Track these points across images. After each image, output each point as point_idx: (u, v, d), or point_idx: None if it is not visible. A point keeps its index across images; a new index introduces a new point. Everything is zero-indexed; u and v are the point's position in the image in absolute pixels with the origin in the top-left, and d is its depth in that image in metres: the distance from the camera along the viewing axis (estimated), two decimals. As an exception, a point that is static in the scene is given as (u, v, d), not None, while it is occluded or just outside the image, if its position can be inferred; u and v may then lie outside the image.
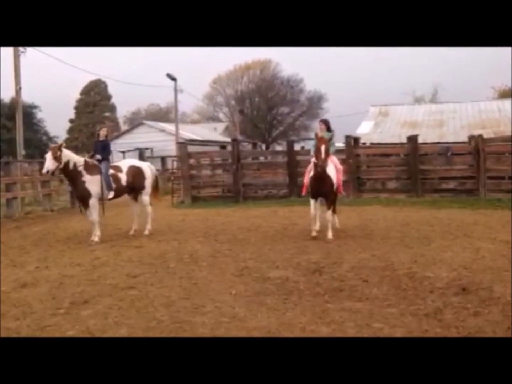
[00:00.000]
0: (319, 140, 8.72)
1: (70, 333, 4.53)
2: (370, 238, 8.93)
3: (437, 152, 15.80)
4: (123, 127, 65.15)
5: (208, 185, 17.90)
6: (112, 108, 66.27)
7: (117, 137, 35.31)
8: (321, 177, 8.82)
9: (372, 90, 67.98)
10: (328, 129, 9.46)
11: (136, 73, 71.62)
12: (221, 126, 55.02)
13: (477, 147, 14.64)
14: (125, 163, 10.04)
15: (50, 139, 55.04)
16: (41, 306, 5.36)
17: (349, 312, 4.85)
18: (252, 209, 14.19)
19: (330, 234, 8.90)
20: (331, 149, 9.15)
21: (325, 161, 8.57)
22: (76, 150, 58.20)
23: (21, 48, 15.35)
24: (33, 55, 16.73)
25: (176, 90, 28.52)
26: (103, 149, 9.47)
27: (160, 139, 33.39)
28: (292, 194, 16.07)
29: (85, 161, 9.27)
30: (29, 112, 51.15)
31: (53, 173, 9.14)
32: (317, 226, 9.32)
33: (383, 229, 9.89)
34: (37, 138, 51.18)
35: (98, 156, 9.33)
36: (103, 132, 9.89)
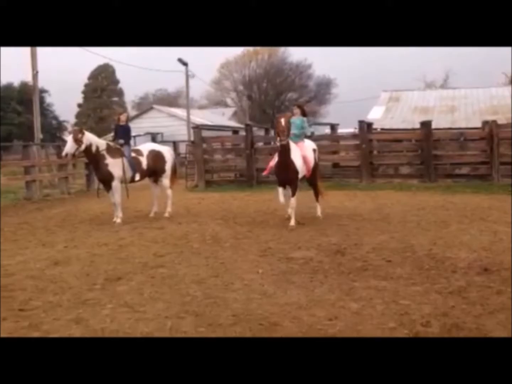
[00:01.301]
0: (281, 118, 8.51)
1: (110, 306, 4.75)
2: (387, 221, 9.09)
3: (450, 138, 15.86)
4: (131, 112, 65.27)
5: (222, 170, 18.08)
6: (120, 93, 66.20)
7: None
8: (284, 163, 8.66)
9: (382, 75, 67.56)
10: (303, 113, 9.43)
11: (143, 57, 71.40)
12: (229, 111, 54.98)
13: (491, 132, 14.70)
14: (145, 147, 10.22)
15: (59, 123, 55.35)
16: (77, 282, 5.57)
17: (375, 290, 5.03)
18: (266, 193, 14.29)
19: (292, 222, 8.73)
20: (298, 133, 8.95)
21: (286, 137, 8.36)
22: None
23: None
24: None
25: (187, 75, 28.59)
26: (125, 133, 9.67)
27: (170, 124, 33.50)
28: (305, 179, 16.18)
29: (108, 145, 9.47)
30: (39, 96, 51.47)
31: (73, 155, 9.30)
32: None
33: (399, 213, 10.04)
34: (47, 122, 51.21)
35: (121, 141, 9.52)
36: (123, 117, 10.09)
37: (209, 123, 33.14)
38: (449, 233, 7.83)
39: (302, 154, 8.94)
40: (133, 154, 9.63)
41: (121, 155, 9.46)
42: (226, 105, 61.51)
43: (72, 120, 61.15)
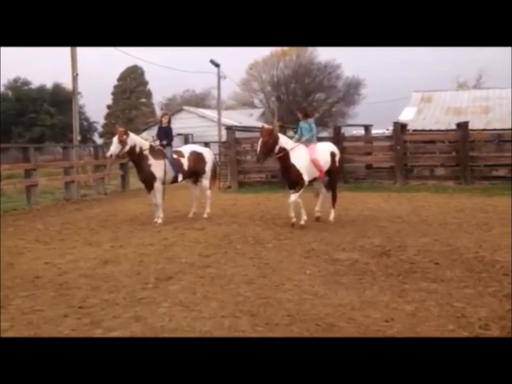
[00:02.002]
0: (261, 132, 8.85)
1: (166, 305, 4.86)
2: (428, 224, 9.04)
3: (487, 139, 15.63)
4: (159, 112, 65.91)
5: (254, 171, 18.16)
6: (148, 94, 66.95)
7: (157, 123, 35.80)
8: (285, 166, 8.94)
9: (412, 76, 66.89)
10: (306, 116, 9.53)
11: (171, 59, 72.15)
12: (256, 112, 55.07)
13: (529, 134, 14.44)
14: (186, 149, 10.37)
15: (90, 124, 56.28)
16: (129, 281, 5.71)
17: (427, 292, 5.03)
18: (301, 194, 14.35)
19: (303, 220, 9.00)
20: (308, 136, 9.17)
21: (259, 154, 8.73)
22: (114, 135, 59.39)
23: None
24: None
25: (219, 76, 28.80)
26: (167, 135, 9.84)
27: (200, 124, 33.73)
28: (339, 180, 16.16)
29: (151, 146, 9.65)
30: (71, 98, 52.38)
31: (117, 156, 9.50)
32: (303, 216, 9.15)
33: (438, 215, 9.97)
34: (79, 123, 52.20)
35: (164, 142, 9.70)
36: (165, 119, 10.25)
37: (237, 124, 33.30)
38: (493, 236, 7.74)
39: (312, 157, 9.03)
40: (174, 156, 9.79)
41: (164, 156, 9.63)
42: (253, 106, 61.67)
43: (102, 121, 62.22)
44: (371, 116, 45.31)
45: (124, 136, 9.23)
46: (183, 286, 5.51)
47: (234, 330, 4.22)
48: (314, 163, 9.07)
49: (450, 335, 3.94)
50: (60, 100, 49.99)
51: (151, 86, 65.32)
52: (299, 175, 8.95)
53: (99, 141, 54.47)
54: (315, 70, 57.07)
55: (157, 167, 9.52)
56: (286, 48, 60.14)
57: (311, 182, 9.46)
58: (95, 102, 61.78)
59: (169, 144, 9.81)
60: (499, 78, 58.11)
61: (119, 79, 64.89)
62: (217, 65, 28.72)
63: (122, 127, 9.74)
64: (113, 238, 8.26)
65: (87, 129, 56.02)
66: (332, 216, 9.60)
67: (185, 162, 9.91)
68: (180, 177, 9.91)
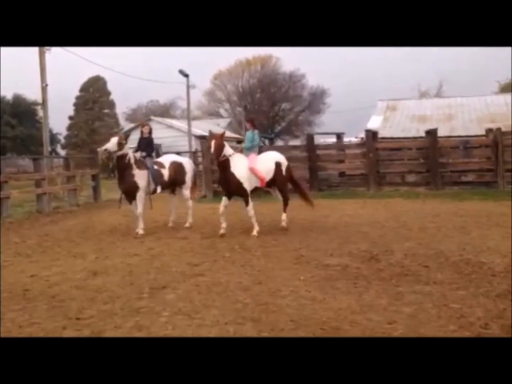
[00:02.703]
0: (210, 136, 9.12)
1: (165, 314, 4.82)
2: (407, 229, 9.24)
3: (455, 146, 16.13)
4: (124, 123, 65.23)
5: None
6: (112, 105, 65.95)
7: (125, 132, 35.41)
8: (225, 174, 9.11)
9: (374, 86, 68.33)
10: (254, 127, 9.76)
11: (134, 68, 71.59)
12: (223, 122, 55.17)
13: (495, 140, 14.97)
14: (166, 159, 10.30)
15: (53, 136, 55.13)
16: (123, 291, 5.63)
17: (422, 295, 5.15)
18: (277, 203, 14.40)
19: (255, 231, 9.08)
20: (248, 146, 9.44)
21: (213, 154, 8.86)
22: (76, 146, 58.20)
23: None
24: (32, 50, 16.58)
25: (188, 86, 28.75)
26: (148, 146, 9.78)
27: (168, 135, 33.57)
28: (313, 188, 16.36)
29: (135, 156, 9.56)
30: (32, 109, 51.21)
31: (108, 155, 9.37)
32: (224, 224, 9.26)
33: (415, 220, 10.20)
34: (40, 135, 50.91)
35: (144, 153, 9.64)
36: (146, 130, 10.18)
37: (206, 134, 33.25)
38: (473, 239, 7.97)
39: (250, 166, 9.18)
40: (155, 167, 9.73)
41: (146, 167, 9.56)
42: (219, 115, 61.73)
43: (64, 132, 61.02)
44: (337, 124, 46.13)
45: (124, 142, 9.22)
46: (179, 295, 5.47)
47: (240, 336, 4.22)
48: (253, 172, 9.20)
49: (454, 335, 4.04)
50: (21, 112, 48.92)
51: (114, 97, 64.48)
52: (239, 184, 9.08)
53: (62, 152, 53.45)
54: (281, 80, 57.66)
55: (141, 177, 9.45)
56: (250, 58, 60.65)
57: (253, 191, 9.52)
58: (56, 114, 60.70)
59: (150, 155, 9.75)
60: (459, 87, 60.10)
61: (81, 90, 63.69)
62: (186, 75, 28.69)
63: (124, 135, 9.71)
64: (97, 250, 8.12)
65: (50, 140, 54.92)
66: (284, 221, 9.68)
67: (165, 173, 9.87)
68: (158, 189, 9.83)
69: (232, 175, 9.04)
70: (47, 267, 6.91)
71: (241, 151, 9.66)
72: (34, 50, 15.75)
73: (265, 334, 4.24)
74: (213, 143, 8.84)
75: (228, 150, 9.12)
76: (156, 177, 9.63)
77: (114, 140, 9.29)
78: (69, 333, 4.39)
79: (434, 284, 5.50)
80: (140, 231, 9.49)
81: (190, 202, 10.34)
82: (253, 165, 9.20)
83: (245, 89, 59.50)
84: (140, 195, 9.49)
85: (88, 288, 5.83)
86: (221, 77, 61.97)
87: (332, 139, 26.07)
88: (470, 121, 25.51)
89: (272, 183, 9.65)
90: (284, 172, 9.72)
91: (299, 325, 4.42)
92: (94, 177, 16.87)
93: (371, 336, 4.05)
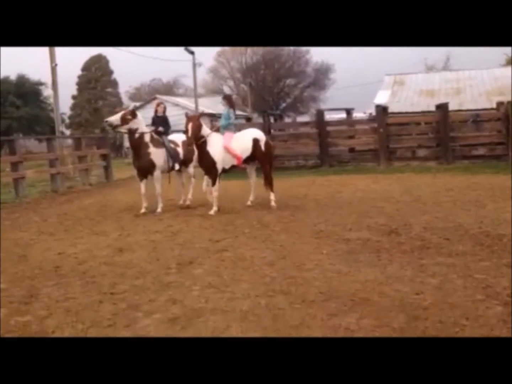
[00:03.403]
0: (188, 119, 9.05)
1: (196, 288, 4.95)
2: (422, 203, 9.32)
3: (466, 119, 16.09)
4: (127, 102, 65.06)
5: (237, 157, 18.20)
6: (114, 84, 65.73)
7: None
8: (201, 153, 9.13)
9: (380, 60, 67.64)
10: (231, 104, 9.79)
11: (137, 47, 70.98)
12: (228, 99, 54.87)
13: (506, 113, 14.93)
14: (178, 137, 10.32)
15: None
16: (151, 267, 5.76)
17: (446, 266, 5.26)
18: (288, 179, 14.50)
19: (212, 210, 9.09)
20: (224, 124, 9.48)
21: (191, 138, 8.89)
22: (80, 126, 58.17)
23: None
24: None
25: (194, 64, 28.60)
26: (164, 124, 9.83)
27: (174, 113, 33.34)
28: (324, 164, 16.43)
29: (151, 134, 9.60)
30: (36, 89, 51.09)
31: (113, 127, 9.49)
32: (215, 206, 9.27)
33: (429, 194, 10.27)
34: (45, 115, 51.07)
35: (161, 128, 9.68)
36: (161, 108, 10.22)
37: (213, 112, 33.19)
38: (490, 212, 8.05)
39: (224, 144, 9.21)
40: (171, 145, 9.80)
41: (163, 145, 9.63)
42: (223, 93, 61.37)
43: (68, 112, 60.88)
44: (343, 100, 45.84)
45: (129, 117, 9.24)
46: (206, 270, 5.60)
47: (272, 308, 4.35)
48: (228, 150, 9.25)
49: (481, 304, 4.16)
50: (25, 92, 48.79)
51: (116, 75, 64.13)
52: (212, 162, 9.14)
53: (66, 132, 53.43)
54: (285, 56, 57.13)
55: (157, 155, 9.52)
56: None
57: (229, 169, 9.65)
58: (60, 93, 60.53)
59: (166, 132, 9.80)
60: (466, 59, 59.38)
61: (83, 69, 63.41)
62: (192, 53, 28.52)
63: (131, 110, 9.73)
64: (117, 227, 8.25)
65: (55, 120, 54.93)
66: (272, 201, 9.61)
67: (180, 151, 9.94)
68: (176, 166, 9.94)
69: (207, 153, 9.09)
70: (72, 245, 7.05)
71: (217, 129, 9.71)
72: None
73: (297, 306, 4.36)
74: (190, 126, 8.85)
75: (205, 130, 9.18)
76: (174, 154, 9.71)
77: (118, 114, 9.34)
78: (105, 307, 4.53)
79: (456, 256, 5.60)
80: (159, 209, 9.60)
81: (193, 180, 10.47)
82: (227, 144, 9.24)
83: (249, 66, 59.05)
84: (157, 174, 9.59)
85: (116, 264, 5.96)
86: (224, 54, 61.45)
87: (339, 115, 26.03)
88: (479, 94, 25.34)
89: (251, 159, 9.71)
90: (263, 148, 9.69)
91: (329, 296, 4.55)
92: (105, 157, 16.95)
93: (372, 337, 3.99)
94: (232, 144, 9.29)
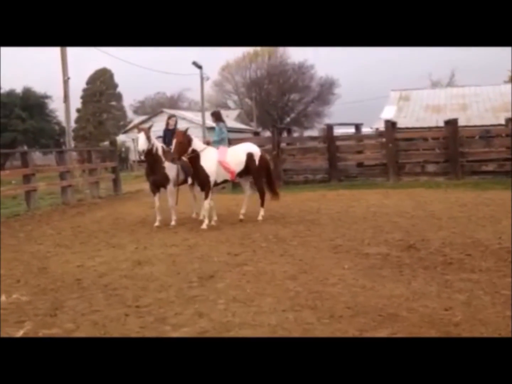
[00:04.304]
0: (175, 134, 9.13)
1: (222, 302, 4.92)
2: (437, 218, 9.30)
3: (476, 135, 16.14)
4: (132, 116, 65.47)
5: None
6: (119, 97, 66.30)
7: (136, 125, 35.57)
8: (195, 167, 9.17)
9: (386, 76, 68.08)
10: (218, 120, 9.93)
11: (143, 60, 71.61)
12: (232, 113, 55.22)
13: (516, 129, 14.97)
14: None
15: (62, 128, 55.32)
16: (173, 280, 5.75)
17: (471, 282, 5.23)
18: (299, 193, 14.54)
19: (204, 224, 9.10)
20: (216, 139, 9.68)
21: (174, 154, 8.87)
22: (84, 138, 58.33)
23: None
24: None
25: (202, 78, 28.78)
26: None
27: (180, 126, 33.64)
28: (332, 178, 16.45)
29: (163, 148, 9.65)
30: (41, 102, 51.35)
31: (147, 153, 9.43)
32: (214, 217, 9.49)
33: (443, 210, 10.26)
34: (50, 128, 51.32)
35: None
36: (172, 121, 10.27)
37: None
38: (506, 228, 8.01)
39: (219, 159, 9.28)
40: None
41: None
42: (227, 107, 61.75)
43: (72, 125, 61.17)
44: (347, 115, 46.00)
45: (149, 133, 9.30)
46: (228, 283, 5.58)
47: (301, 322, 4.32)
48: (222, 165, 9.32)
49: (513, 320, 4.14)
50: (31, 105, 49.02)
51: (120, 89, 64.57)
52: (206, 176, 9.19)
53: (71, 145, 53.38)
54: (289, 71, 57.57)
55: (171, 169, 9.57)
56: (258, 49, 60.54)
57: (223, 183, 9.92)
58: (63, 106, 60.81)
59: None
60: (471, 76, 59.70)
61: (87, 83, 63.93)
62: (199, 67, 28.72)
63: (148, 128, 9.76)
64: (133, 240, 8.24)
65: (59, 133, 55.15)
66: (260, 215, 9.79)
67: None
68: (189, 180, 9.96)
69: (201, 167, 9.13)
70: (90, 258, 7.04)
71: (207, 143, 9.85)
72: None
73: (325, 321, 4.34)
74: (174, 142, 8.89)
75: (198, 144, 9.23)
76: (186, 168, 9.73)
77: (142, 136, 9.35)
78: (132, 320, 4.51)
79: (480, 272, 5.58)
80: (173, 222, 9.61)
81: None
82: (222, 158, 9.32)
83: (253, 80, 59.45)
84: (171, 188, 9.65)
85: (137, 277, 5.95)
86: (229, 68, 61.98)
87: (344, 130, 26.12)
88: (486, 110, 25.45)
89: (245, 173, 9.79)
90: (257, 162, 9.74)
91: (357, 312, 4.52)
92: (114, 169, 16.99)
93: (372, 337, 3.97)
94: (226, 158, 9.38)
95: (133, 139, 31.35)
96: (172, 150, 8.95)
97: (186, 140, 8.98)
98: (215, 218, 9.48)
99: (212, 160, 9.22)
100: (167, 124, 10.42)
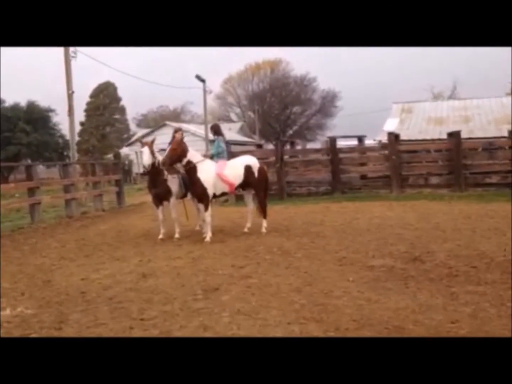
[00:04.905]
0: (172, 142, 9.28)
1: (226, 315, 4.91)
2: (442, 230, 9.27)
3: (479, 147, 16.16)
4: (135, 129, 65.77)
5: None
6: (122, 111, 66.65)
7: (139, 138, 35.69)
8: (191, 179, 9.21)
9: (387, 89, 68.39)
10: (217, 133, 10.04)
11: (146, 73, 72.14)
12: (235, 126, 55.44)
13: (519, 141, 14.98)
14: None
15: (66, 142, 55.56)
16: (178, 293, 5.74)
17: (477, 295, 5.21)
18: (303, 205, 14.55)
19: (207, 237, 9.10)
20: (214, 153, 9.79)
21: (166, 158, 8.99)
22: (87, 152, 58.55)
23: (71, 53, 15.81)
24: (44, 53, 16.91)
25: (205, 91, 28.98)
26: None
27: (185, 139, 33.79)
28: (336, 191, 16.45)
29: None
30: (45, 116, 51.68)
31: (153, 167, 9.44)
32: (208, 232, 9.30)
33: (447, 222, 10.23)
34: (54, 141, 51.56)
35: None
36: (178, 135, 10.29)
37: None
38: (510, 240, 8.00)
39: (217, 172, 9.31)
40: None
41: (177, 171, 9.69)
42: (229, 120, 62.03)
43: (75, 138, 61.49)
44: (349, 127, 46.20)
45: (153, 148, 9.33)
46: (233, 296, 5.57)
47: (307, 335, 4.31)
48: (220, 177, 9.33)
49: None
50: (35, 118, 49.31)
51: (123, 102, 64.92)
52: (203, 189, 9.18)
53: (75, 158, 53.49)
54: (291, 83, 57.86)
55: (173, 182, 9.62)
56: (260, 62, 60.97)
57: (220, 196, 9.93)
58: (67, 119, 61.06)
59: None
60: (473, 88, 59.87)
61: (91, 96, 64.29)
62: (202, 80, 28.90)
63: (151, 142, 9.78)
64: (138, 253, 8.24)
65: (63, 146, 55.39)
66: (263, 227, 9.79)
67: None
68: (190, 195, 9.98)
69: (198, 180, 9.14)
70: (95, 270, 7.04)
71: (211, 157, 9.89)
72: (54, 57, 15.90)
73: (331, 334, 4.32)
74: (169, 148, 8.98)
75: (194, 156, 9.25)
76: (186, 181, 9.76)
77: (146, 151, 9.37)
78: (137, 333, 4.50)
79: (486, 285, 5.55)
80: (177, 235, 9.62)
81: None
82: (220, 171, 9.35)
83: (256, 93, 59.77)
84: (173, 201, 9.69)
85: (142, 290, 5.94)
86: (231, 81, 62.35)
87: (347, 142, 26.16)
88: (488, 122, 25.50)
89: (245, 186, 9.83)
90: (256, 174, 9.77)
91: (363, 324, 4.50)
92: (118, 182, 17.05)
93: (372, 337, 3.97)
94: (225, 171, 9.40)
95: (136, 152, 31.43)
96: (165, 155, 9.02)
97: (180, 149, 9.03)
98: (210, 234, 9.24)
99: (209, 172, 9.24)
100: (174, 137, 10.44)
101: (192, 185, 9.29)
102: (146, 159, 9.25)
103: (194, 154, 9.30)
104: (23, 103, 50.56)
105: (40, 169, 43.37)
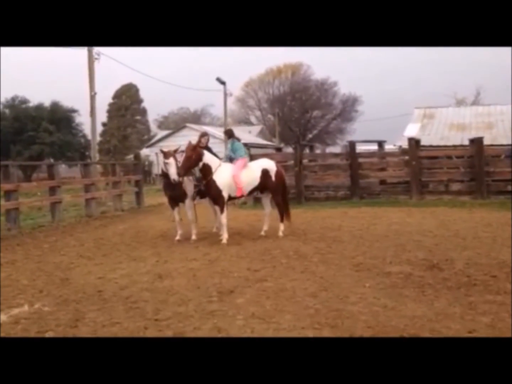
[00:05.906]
0: (186, 148, 9.21)
1: (240, 318, 4.90)
2: (462, 238, 9.14)
3: (501, 154, 15.91)
4: (156, 130, 66.32)
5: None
6: (143, 112, 67.17)
7: (160, 139, 36.01)
8: (207, 181, 9.17)
9: (407, 93, 67.81)
10: (231, 137, 10.02)
11: (169, 76, 72.66)
12: (254, 129, 55.52)
13: (543, 149, 14.70)
14: None
15: (88, 142, 56.28)
16: (193, 294, 5.75)
17: (496, 304, 5.11)
18: (320, 210, 14.47)
19: (224, 239, 9.12)
20: (234, 155, 9.65)
21: (180, 168, 9.00)
22: (108, 152, 59.19)
23: (95, 54, 16.02)
24: (65, 54, 17.11)
25: (225, 94, 29.09)
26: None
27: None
28: (354, 195, 16.35)
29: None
30: (68, 116, 52.44)
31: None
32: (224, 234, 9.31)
33: (468, 229, 10.08)
34: (76, 141, 52.24)
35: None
36: (204, 140, 10.31)
37: (244, 141, 33.56)
38: (533, 249, 7.85)
39: (234, 173, 9.30)
40: None
41: (192, 173, 9.72)
42: (249, 123, 62.13)
43: (97, 138, 62.13)
44: (369, 132, 45.92)
45: (178, 159, 9.37)
46: (248, 299, 5.56)
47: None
48: (234, 180, 9.31)
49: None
50: (58, 118, 50.04)
51: (145, 104, 65.47)
52: (218, 191, 9.17)
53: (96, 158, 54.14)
54: (312, 88, 57.73)
55: (189, 184, 9.65)
56: (281, 66, 60.97)
57: (236, 198, 9.98)
58: (89, 120, 61.84)
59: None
60: (497, 94, 59.03)
61: (114, 97, 64.97)
62: (223, 83, 29.01)
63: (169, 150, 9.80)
64: (155, 253, 8.30)
65: (85, 146, 56.06)
66: (280, 230, 9.79)
67: None
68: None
69: (213, 182, 9.14)
70: (112, 270, 7.10)
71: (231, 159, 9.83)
72: (78, 59, 16.08)
73: (345, 340, 4.28)
74: (184, 157, 8.98)
75: (210, 159, 9.21)
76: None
77: (173, 164, 9.21)
78: (151, 333, 4.52)
79: (505, 294, 5.45)
80: (194, 236, 9.65)
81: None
82: (236, 173, 9.35)
83: (276, 97, 59.77)
84: (189, 202, 9.72)
85: (158, 290, 5.97)
86: (251, 84, 62.44)
87: (367, 147, 25.98)
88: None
89: (263, 190, 9.83)
90: (273, 178, 9.74)
91: (377, 331, 4.45)
92: (137, 183, 17.19)
93: (372, 337, 3.95)
94: (241, 174, 9.40)
95: (156, 153, 31.67)
96: (180, 165, 9.05)
97: (195, 154, 9.04)
98: (226, 235, 9.26)
99: (225, 173, 9.25)
100: (200, 141, 10.45)
101: (207, 186, 9.30)
102: (173, 172, 9.20)
103: (210, 157, 9.32)
104: (47, 103, 51.37)
105: (62, 169, 44.02)
